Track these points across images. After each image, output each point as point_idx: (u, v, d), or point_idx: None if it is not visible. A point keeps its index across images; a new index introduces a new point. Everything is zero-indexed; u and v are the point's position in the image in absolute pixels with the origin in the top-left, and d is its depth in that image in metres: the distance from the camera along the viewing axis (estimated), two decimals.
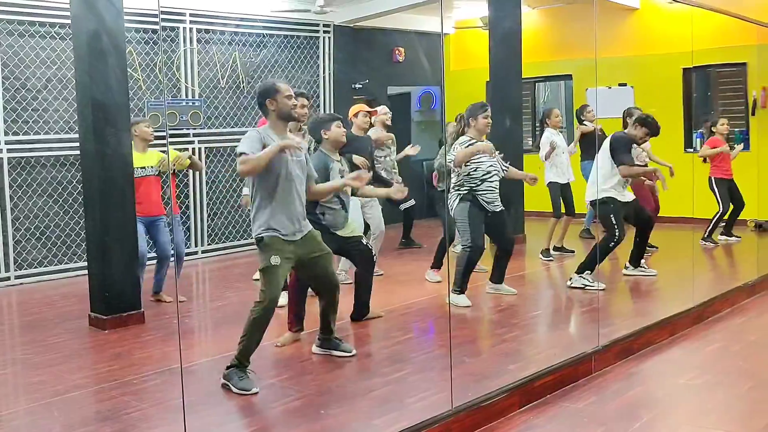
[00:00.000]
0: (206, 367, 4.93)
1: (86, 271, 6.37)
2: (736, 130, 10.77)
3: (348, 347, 5.09)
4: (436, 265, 7.42)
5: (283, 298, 6.35)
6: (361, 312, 5.94)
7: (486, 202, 6.41)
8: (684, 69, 10.52)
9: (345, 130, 5.73)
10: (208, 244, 9.35)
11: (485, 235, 6.54)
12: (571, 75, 11.77)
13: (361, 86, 11.30)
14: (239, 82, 9.68)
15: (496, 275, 6.83)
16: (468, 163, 6.34)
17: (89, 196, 6.13)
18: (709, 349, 5.39)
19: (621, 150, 6.86)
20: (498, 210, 6.48)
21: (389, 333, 5.71)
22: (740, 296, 6.65)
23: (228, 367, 4.50)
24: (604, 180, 6.88)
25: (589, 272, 6.84)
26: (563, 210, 8.52)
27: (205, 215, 9.33)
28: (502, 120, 9.55)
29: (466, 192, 6.41)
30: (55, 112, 8.17)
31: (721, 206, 9.02)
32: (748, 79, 10.35)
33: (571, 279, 7.00)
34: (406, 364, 4.88)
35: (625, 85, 11.05)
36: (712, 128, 9.20)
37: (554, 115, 8.52)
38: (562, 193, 8.50)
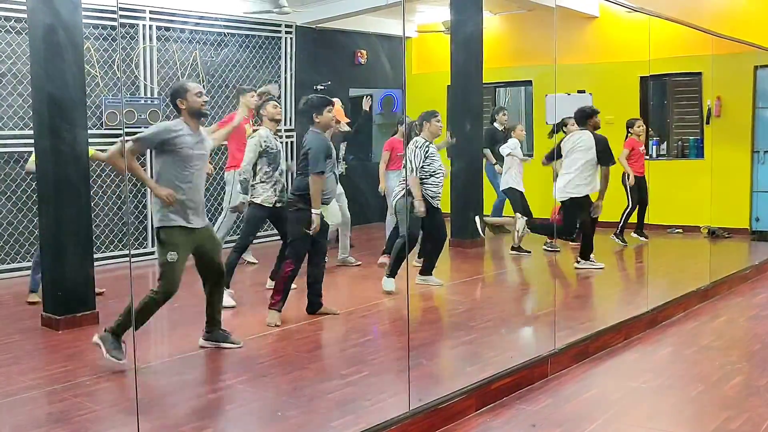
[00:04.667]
0: (161, 369, 4.87)
1: None
2: (691, 138, 10.99)
3: (236, 339, 5.23)
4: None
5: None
6: (316, 304, 6.09)
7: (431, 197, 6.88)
8: (641, 77, 10.70)
9: (334, 115, 6.02)
10: None
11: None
12: (530, 81, 11.88)
13: (323, 87, 11.26)
14: (199, 81, 9.58)
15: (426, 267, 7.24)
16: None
17: (43, 193, 6.01)
18: (662, 353, 5.48)
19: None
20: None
21: (348, 335, 5.70)
22: (693, 301, 6.77)
23: (105, 331, 4.76)
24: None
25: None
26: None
27: None
28: (462, 124, 9.62)
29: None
30: (10, 107, 8.00)
31: (630, 202, 9.40)
32: (702, 88, 10.56)
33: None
34: (364, 365, 4.87)
35: (583, 92, 11.18)
36: (629, 129, 9.50)
37: (519, 129, 9.12)
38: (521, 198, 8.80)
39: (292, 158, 9.79)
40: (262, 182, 6.41)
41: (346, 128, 8.08)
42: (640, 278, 7.18)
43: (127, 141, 4.98)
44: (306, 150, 5.78)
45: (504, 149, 9.11)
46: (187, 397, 4.45)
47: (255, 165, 6.36)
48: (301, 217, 5.76)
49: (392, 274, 6.90)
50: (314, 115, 5.81)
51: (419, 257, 7.60)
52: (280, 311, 5.81)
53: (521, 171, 9.05)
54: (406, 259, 6.66)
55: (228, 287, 6.45)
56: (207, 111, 4.98)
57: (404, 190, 6.85)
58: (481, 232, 9.12)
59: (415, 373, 4.39)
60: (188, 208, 4.80)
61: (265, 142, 6.39)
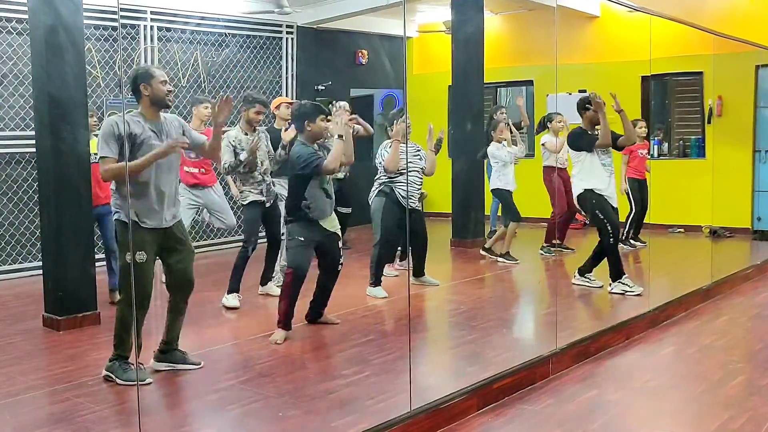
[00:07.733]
0: (162, 369, 4.85)
1: (40, 271, 6.26)
2: (693, 137, 10.99)
3: (194, 360, 4.78)
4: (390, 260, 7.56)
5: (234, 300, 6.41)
6: (317, 313, 5.89)
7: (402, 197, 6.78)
8: (642, 77, 10.69)
9: (328, 125, 5.64)
10: None
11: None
12: (532, 81, 11.88)
13: (324, 88, 11.28)
14: (200, 81, 9.59)
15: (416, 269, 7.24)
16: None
17: (44, 194, 6.02)
18: (664, 353, 5.48)
19: (575, 140, 6.99)
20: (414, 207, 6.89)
21: (349, 335, 5.69)
22: (695, 300, 6.77)
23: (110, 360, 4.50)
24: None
25: (589, 273, 7.02)
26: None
27: None
28: (463, 124, 9.62)
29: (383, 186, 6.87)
30: (11, 108, 8.01)
31: (632, 206, 9.19)
32: (704, 87, 10.55)
33: (575, 276, 7.12)
34: (366, 365, 4.87)
35: (584, 91, 11.15)
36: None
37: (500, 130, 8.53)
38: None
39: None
40: (243, 184, 6.44)
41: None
42: (642, 278, 7.17)
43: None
44: (292, 161, 5.47)
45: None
46: (188, 398, 4.44)
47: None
48: (301, 226, 5.47)
49: (377, 283, 6.87)
50: (306, 123, 5.45)
51: (401, 261, 7.70)
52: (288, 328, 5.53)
53: (512, 169, 8.55)
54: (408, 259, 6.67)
55: (237, 291, 6.47)
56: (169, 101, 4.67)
57: (377, 190, 6.87)
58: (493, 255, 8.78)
59: (416, 373, 4.39)
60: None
61: (233, 141, 6.29)
